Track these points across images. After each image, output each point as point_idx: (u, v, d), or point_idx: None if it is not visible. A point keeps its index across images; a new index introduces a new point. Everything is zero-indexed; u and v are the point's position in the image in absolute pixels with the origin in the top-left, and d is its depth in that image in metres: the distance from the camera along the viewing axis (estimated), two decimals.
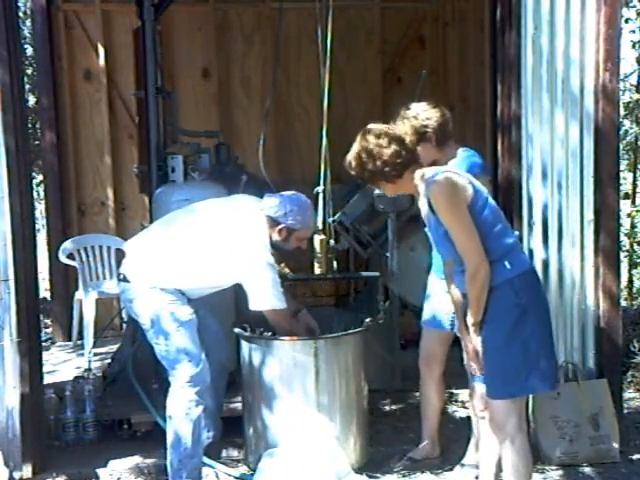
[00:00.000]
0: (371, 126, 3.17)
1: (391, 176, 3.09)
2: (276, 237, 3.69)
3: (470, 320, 3.07)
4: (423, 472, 3.86)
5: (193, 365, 3.59)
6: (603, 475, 3.86)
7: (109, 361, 5.19)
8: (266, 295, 3.66)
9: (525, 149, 4.04)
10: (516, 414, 3.06)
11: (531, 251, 4.06)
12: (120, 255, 6.14)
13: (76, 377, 4.72)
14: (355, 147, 3.14)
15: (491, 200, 3.10)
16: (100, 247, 6.25)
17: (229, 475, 3.89)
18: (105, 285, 6.19)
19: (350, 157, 3.15)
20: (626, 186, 7.73)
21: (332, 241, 4.68)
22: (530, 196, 4.05)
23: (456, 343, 3.48)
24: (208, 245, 3.68)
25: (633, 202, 7.63)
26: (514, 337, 2.96)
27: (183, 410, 3.58)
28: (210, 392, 3.84)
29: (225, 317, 4.22)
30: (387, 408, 4.61)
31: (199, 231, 3.72)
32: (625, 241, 7.44)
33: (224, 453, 4.09)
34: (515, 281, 2.98)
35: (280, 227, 3.67)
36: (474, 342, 3.06)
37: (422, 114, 3.62)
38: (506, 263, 2.99)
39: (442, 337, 3.79)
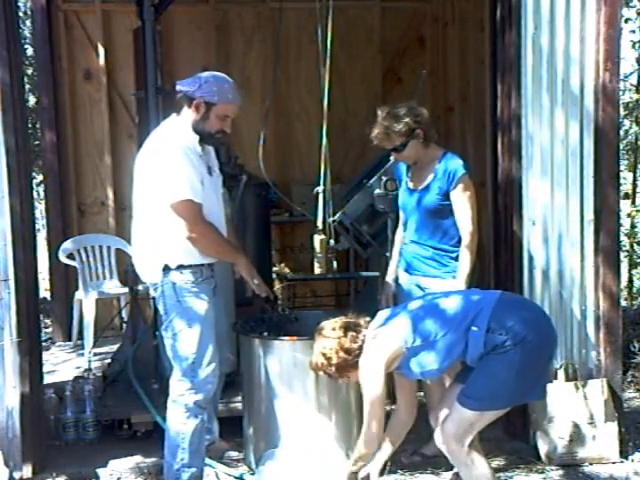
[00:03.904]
0: (323, 324, 3.28)
1: (355, 363, 3.18)
2: (194, 116, 3.40)
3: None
4: (426, 470, 3.87)
5: (199, 370, 3.46)
6: (603, 475, 3.86)
7: (109, 361, 5.19)
8: (170, 183, 3.33)
9: (525, 148, 4.04)
10: (471, 429, 3.12)
11: (531, 250, 4.07)
12: (120, 255, 6.19)
13: (76, 377, 4.73)
14: (316, 347, 3.24)
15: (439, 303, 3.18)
16: (100, 247, 6.26)
17: (229, 475, 3.89)
18: (105, 285, 6.20)
19: (314, 358, 3.24)
20: (626, 186, 7.74)
21: (332, 241, 4.68)
22: (530, 195, 4.05)
23: None
24: (147, 187, 3.45)
25: (633, 202, 7.64)
26: (516, 370, 3.01)
27: (182, 419, 3.48)
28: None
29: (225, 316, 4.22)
30: (387, 408, 4.59)
31: (140, 187, 3.52)
32: (625, 241, 7.45)
33: (224, 453, 4.08)
34: (491, 328, 3.01)
35: (196, 102, 3.39)
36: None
37: (413, 111, 3.74)
38: (473, 328, 3.03)
39: None
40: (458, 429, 3.11)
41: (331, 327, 3.24)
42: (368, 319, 3.29)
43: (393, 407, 3.49)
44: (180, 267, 3.44)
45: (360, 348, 3.17)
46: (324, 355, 3.20)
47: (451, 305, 3.15)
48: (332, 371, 3.22)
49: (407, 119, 3.70)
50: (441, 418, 3.22)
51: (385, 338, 3.14)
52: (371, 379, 3.14)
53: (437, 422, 3.27)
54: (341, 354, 3.17)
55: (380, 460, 3.40)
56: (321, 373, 3.29)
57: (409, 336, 3.08)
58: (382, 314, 3.29)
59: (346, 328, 3.21)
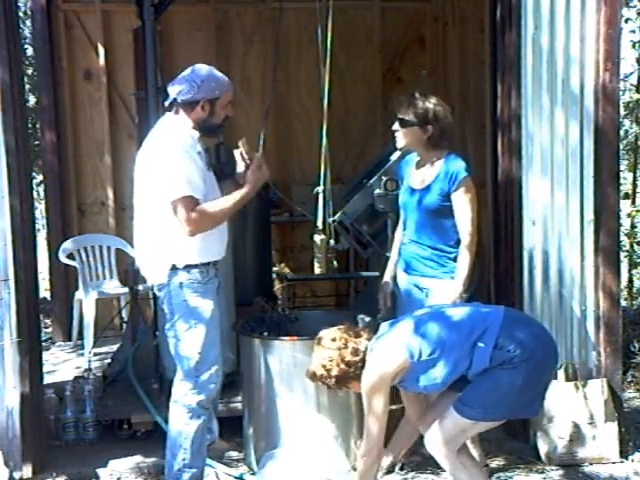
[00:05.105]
0: (322, 333, 3.22)
1: (356, 375, 3.12)
2: (201, 115, 3.43)
3: None
4: (426, 470, 3.87)
5: (203, 371, 3.45)
6: (603, 475, 3.86)
7: (109, 361, 5.19)
8: (169, 182, 3.33)
9: (525, 148, 4.04)
10: (463, 436, 3.12)
11: (531, 250, 4.07)
12: (120, 255, 6.19)
13: (76, 377, 4.73)
14: (315, 358, 3.17)
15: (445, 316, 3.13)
16: (100, 247, 6.26)
17: (229, 475, 3.89)
18: (105, 285, 6.20)
19: (313, 368, 3.18)
20: (626, 186, 7.74)
21: (332, 241, 4.68)
22: (530, 195, 4.05)
23: None
24: (149, 188, 3.46)
25: (633, 202, 7.64)
26: (520, 384, 2.99)
27: (184, 420, 3.48)
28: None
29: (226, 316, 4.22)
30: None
31: (142, 187, 3.52)
32: (625, 241, 7.45)
33: (224, 453, 4.08)
34: (499, 345, 2.97)
35: (201, 104, 3.41)
36: None
37: (440, 111, 3.72)
38: (480, 345, 2.99)
39: None
40: (449, 435, 3.08)
41: (331, 337, 3.16)
42: (370, 329, 3.25)
43: (393, 407, 3.47)
44: (187, 267, 3.43)
45: (362, 361, 3.10)
46: (324, 367, 3.13)
47: (457, 319, 3.10)
48: (331, 382, 3.15)
49: (430, 110, 3.68)
50: (432, 423, 3.17)
51: (389, 351, 3.08)
52: (375, 397, 3.09)
53: (425, 426, 3.24)
54: (342, 366, 3.10)
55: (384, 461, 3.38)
56: (319, 383, 3.22)
57: (414, 350, 3.02)
58: (384, 326, 3.24)
59: (347, 339, 3.13)
